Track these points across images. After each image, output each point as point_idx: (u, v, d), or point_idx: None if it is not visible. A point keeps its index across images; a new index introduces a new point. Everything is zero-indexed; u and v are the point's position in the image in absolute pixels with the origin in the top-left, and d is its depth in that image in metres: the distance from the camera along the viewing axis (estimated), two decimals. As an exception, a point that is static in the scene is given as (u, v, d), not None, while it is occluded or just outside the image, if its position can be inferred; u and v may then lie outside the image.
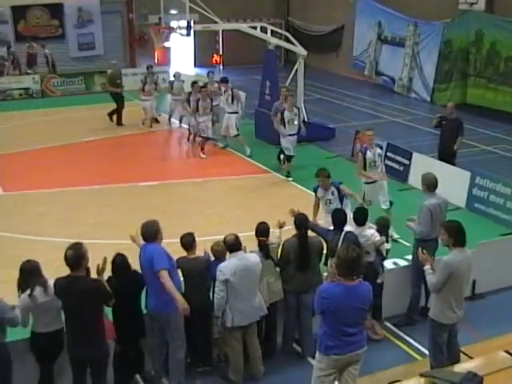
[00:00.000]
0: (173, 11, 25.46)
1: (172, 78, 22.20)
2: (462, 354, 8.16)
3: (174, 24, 23.07)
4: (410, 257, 10.37)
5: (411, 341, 9.45)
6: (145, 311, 8.28)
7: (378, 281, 9.44)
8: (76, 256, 7.21)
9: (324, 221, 10.93)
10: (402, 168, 16.51)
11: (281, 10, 35.52)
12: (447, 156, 15.61)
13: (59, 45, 30.20)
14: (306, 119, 20.14)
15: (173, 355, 8.25)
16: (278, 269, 8.95)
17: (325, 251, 9.22)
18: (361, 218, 9.60)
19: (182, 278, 8.41)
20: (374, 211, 11.23)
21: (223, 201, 15.39)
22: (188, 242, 8.56)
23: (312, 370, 7.19)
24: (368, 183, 12.83)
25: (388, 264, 10.73)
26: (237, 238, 8.28)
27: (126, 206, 14.86)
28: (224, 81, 19.46)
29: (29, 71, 28.58)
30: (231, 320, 8.19)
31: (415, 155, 16.30)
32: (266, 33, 20.48)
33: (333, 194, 11.21)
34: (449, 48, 25.35)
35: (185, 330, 8.27)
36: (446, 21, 25.18)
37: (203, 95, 18.71)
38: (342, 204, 11.09)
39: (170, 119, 21.90)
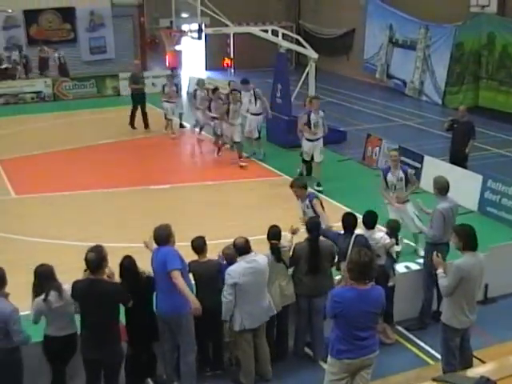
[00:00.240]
0: (184, 15, 25.48)
1: (195, 87, 21.19)
2: (474, 359, 8.14)
3: (185, 27, 23.10)
4: (421, 260, 10.35)
5: (423, 345, 9.42)
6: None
7: (389, 284, 9.42)
8: (97, 258, 7.27)
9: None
10: (413, 171, 16.41)
11: (292, 14, 35.53)
12: (459, 159, 15.57)
13: (71, 48, 30.32)
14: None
15: (184, 358, 8.27)
16: (289, 272, 8.95)
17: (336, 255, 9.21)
18: (370, 221, 9.57)
19: (193, 282, 8.42)
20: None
21: (235, 204, 15.41)
22: (199, 245, 8.58)
23: (323, 374, 7.19)
24: (388, 204, 12.29)
25: (400, 268, 10.70)
26: (247, 241, 8.29)
27: (139, 209, 14.90)
28: (245, 82, 19.14)
29: (41, 74, 28.73)
30: (240, 323, 8.19)
31: (427, 158, 16.26)
32: (278, 36, 20.50)
33: (308, 207, 10.62)
34: (460, 51, 25.27)
35: (195, 334, 8.28)
36: (458, 23, 25.11)
37: (234, 98, 18.01)
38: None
39: (200, 130, 20.35)
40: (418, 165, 16.36)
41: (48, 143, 20.55)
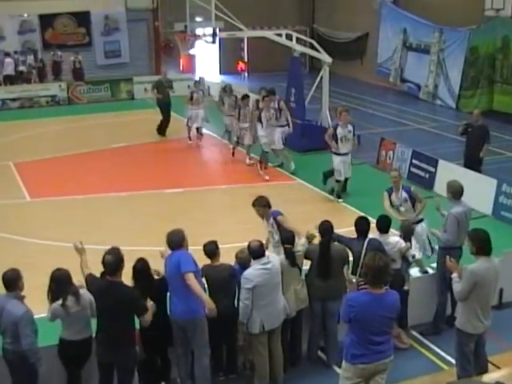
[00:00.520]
0: (198, 19, 25.57)
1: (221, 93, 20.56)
2: (489, 364, 8.11)
3: (199, 31, 23.16)
4: (435, 265, 10.30)
5: (438, 350, 9.37)
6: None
7: (405, 288, 9.40)
8: (115, 261, 7.28)
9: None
10: (427, 175, 16.44)
11: (306, 18, 35.55)
12: (473, 163, 15.52)
13: (86, 52, 30.55)
14: (330, 126, 20.17)
15: (198, 362, 8.27)
16: (303, 276, 8.95)
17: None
18: (383, 225, 9.53)
19: (206, 286, 8.43)
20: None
21: (248, 208, 15.37)
22: (211, 249, 8.58)
23: (337, 379, 7.19)
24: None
25: (414, 272, 10.65)
26: (261, 244, 8.29)
27: (152, 212, 14.93)
28: (271, 92, 18.08)
29: (55, 79, 28.93)
30: (260, 325, 8.17)
31: (441, 162, 16.22)
32: (291, 40, 20.53)
33: (273, 226, 9.89)
34: (475, 54, 25.19)
35: (209, 338, 8.28)
36: (472, 27, 25.04)
37: (266, 105, 17.34)
38: None
39: (225, 135, 20.49)
40: (432, 169, 16.33)
41: (62, 147, 20.66)
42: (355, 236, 9.30)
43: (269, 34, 21.55)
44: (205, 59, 33.65)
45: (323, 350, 9.27)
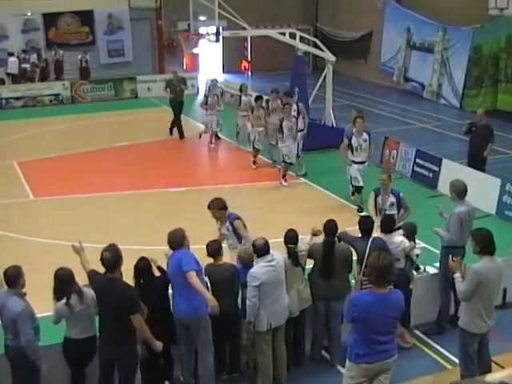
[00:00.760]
0: (202, 17, 25.56)
1: (237, 92, 20.57)
2: (493, 364, 8.10)
3: (202, 30, 23.18)
4: (438, 264, 10.29)
5: (441, 349, 9.37)
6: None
7: (410, 287, 9.39)
8: (113, 257, 7.30)
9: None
10: (431, 175, 16.42)
11: (309, 16, 35.52)
12: (477, 163, 15.51)
13: (89, 51, 30.54)
14: (334, 125, 20.17)
15: (202, 360, 8.27)
16: (306, 276, 8.94)
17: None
18: (388, 225, 9.52)
19: (209, 285, 8.43)
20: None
21: (252, 207, 15.40)
22: (214, 249, 8.59)
23: (341, 378, 7.19)
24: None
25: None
26: (266, 242, 8.28)
27: (155, 211, 14.93)
28: (288, 95, 17.58)
29: (57, 78, 28.97)
30: (267, 323, 8.17)
31: (445, 162, 16.20)
32: (295, 39, 20.51)
33: (228, 229, 9.67)
34: (479, 54, 25.16)
35: (212, 337, 8.28)
36: (476, 26, 25.01)
37: (287, 113, 16.56)
38: (240, 242, 9.56)
39: (237, 136, 20.23)
40: (436, 168, 16.32)
41: (66, 146, 20.69)
42: (359, 235, 9.30)
43: (272, 32, 21.53)
44: (208, 58, 33.68)
45: (327, 349, 9.26)
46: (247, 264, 8.43)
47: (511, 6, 23.42)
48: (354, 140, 14.50)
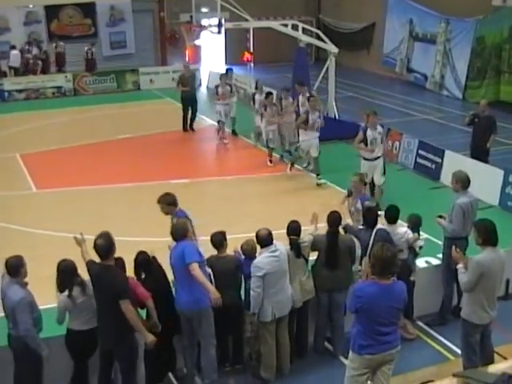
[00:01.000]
0: (204, 9, 25.53)
1: (252, 89, 20.03)
2: (496, 355, 8.11)
3: (205, 22, 23.13)
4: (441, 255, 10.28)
5: (444, 340, 9.38)
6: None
7: (411, 278, 9.39)
8: (106, 244, 7.31)
9: None
10: (433, 166, 16.40)
11: (312, 8, 35.40)
12: (480, 154, 15.47)
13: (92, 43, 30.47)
14: (337, 117, 20.14)
15: (205, 352, 8.29)
16: (309, 267, 8.95)
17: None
18: (392, 216, 9.53)
19: (212, 277, 8.43)
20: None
21: (255, 198, 15.41)
22: (218, 240, 8.58)
23: (344, 370, 7.18)
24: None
25: (420, 263, 10.65)
26: (270, 232, 8.30)
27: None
28: (301, 84, 17.37)
29: (59, 71, 28.94)
30: (272, 313, 8.20)
31: (447, 153, 16.18)
32: (297, 30, 20.46)
33: None
34: (481, 45, 25.06)
35: (215, 329, 8.28)
36: (479, 17, 24.91)
37: (312, 106, 16.09)
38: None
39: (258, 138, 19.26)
40: (438, 159, 16.30)
41: (68, 138, 20.69)
42: (363, 226, 9.30)
43: (275, 24, 21.46)
44: (210, 50, 33.61)
45: (330, 340, 9.27)
46: (250, 255, 8.44)
47: (515, -3, 23.41)
48: (369, 133, 14.14)
